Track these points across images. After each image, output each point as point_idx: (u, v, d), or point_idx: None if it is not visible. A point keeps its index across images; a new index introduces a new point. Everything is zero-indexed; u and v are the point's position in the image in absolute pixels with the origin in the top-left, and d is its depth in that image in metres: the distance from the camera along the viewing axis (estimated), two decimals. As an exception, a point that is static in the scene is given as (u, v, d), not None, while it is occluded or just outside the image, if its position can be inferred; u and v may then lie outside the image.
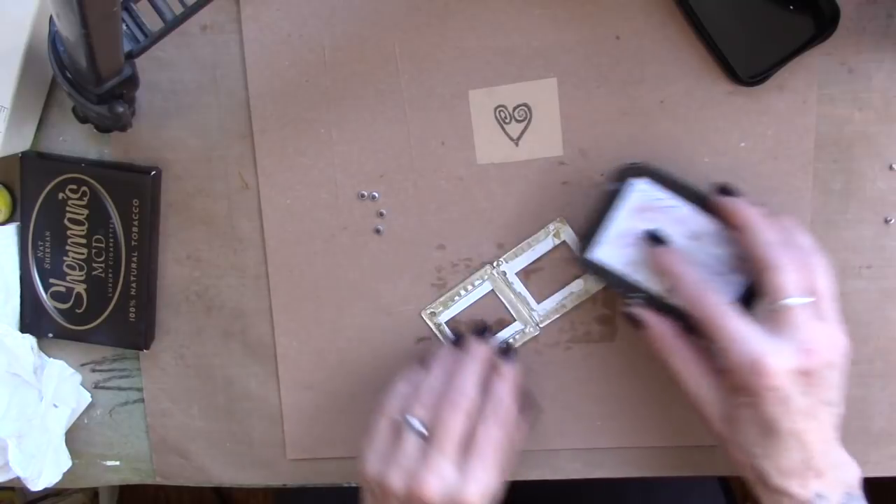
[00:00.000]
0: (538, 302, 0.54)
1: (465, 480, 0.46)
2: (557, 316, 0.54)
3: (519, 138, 0.52)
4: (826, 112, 0.51)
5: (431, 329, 0.55)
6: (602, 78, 0.51)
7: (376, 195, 0.54)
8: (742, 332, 0.44)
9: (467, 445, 0.47)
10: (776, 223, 0.47)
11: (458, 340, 0.52)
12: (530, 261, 0.53)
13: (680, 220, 0.49)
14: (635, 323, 0.50)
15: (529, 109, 0.52)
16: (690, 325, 0.47)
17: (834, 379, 0.44)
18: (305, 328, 0.55)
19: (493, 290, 0.54)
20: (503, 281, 0.54)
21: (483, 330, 0.53)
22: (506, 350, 0.52)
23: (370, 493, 0.48)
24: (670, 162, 0.51)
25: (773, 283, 0.44)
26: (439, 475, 0.45)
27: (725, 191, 0.48)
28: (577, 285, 0.53)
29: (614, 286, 0.51)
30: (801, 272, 0.44)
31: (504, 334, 0.54)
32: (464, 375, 0.49)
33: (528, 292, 0.54)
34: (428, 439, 0.47)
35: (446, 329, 0.54)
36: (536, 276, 0.54)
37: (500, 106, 0.52)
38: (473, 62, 0.51)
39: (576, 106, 0.51)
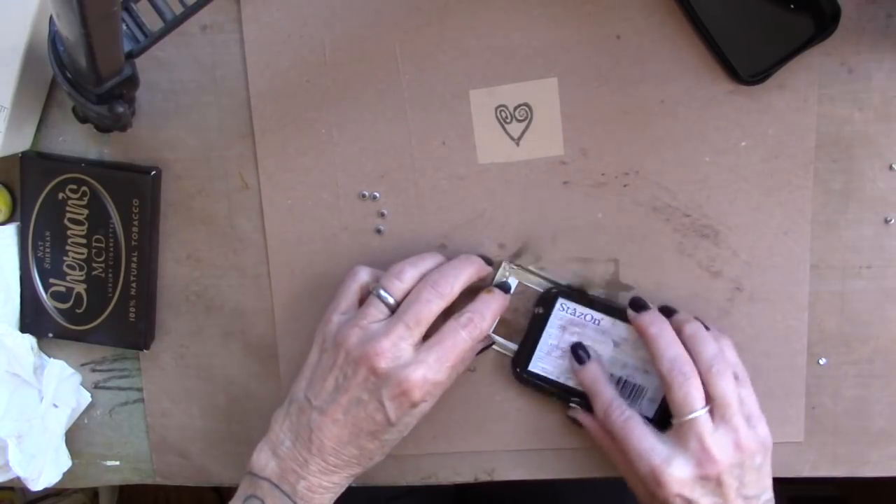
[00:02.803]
0: None
1: (417, 363, 0.47)
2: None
3: (520, 138, 0.52)
4: (826, 112, 0.51)
5: (492, 338, 0.55)
6: (602, 77, 0.51)
7: (377, 195, 0.53)
8: (643, 445, 0.48)
9: (432, 336, 0.48)
10: (682, 331, 0.50)
11: None
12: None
13: (603, 331, 0.53)
14: (577, 423, 0.54)
15: (530, 109, 0.52)
16: None
17: (746, 475, 0.47)
18: (307, 328, 0.55)
19: (519, 282, 0.54)
20: (525, 271, 0.54)
21: (486, 260, 0.53)
22: (503, 285, 0.53)
23: (319, 347, 0.50)
24: (671, 161, 0.52)
25: (673, 399, 0.48)
26: (395, 346, 0.47)
27: (637, 303, 0.51)
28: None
29: (553, 393, 0.54)
30: (698, 385, 0.47)
31: None
32: (456, 269, 0.50)
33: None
34: (396, 312, 0.48)
35: (496, 338, 0.55)
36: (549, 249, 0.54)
37: (500, 106, 0.52)
38: (474, 62, 0.51)
39: (576, 105, 0.51)
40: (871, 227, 0.52)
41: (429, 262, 0.51)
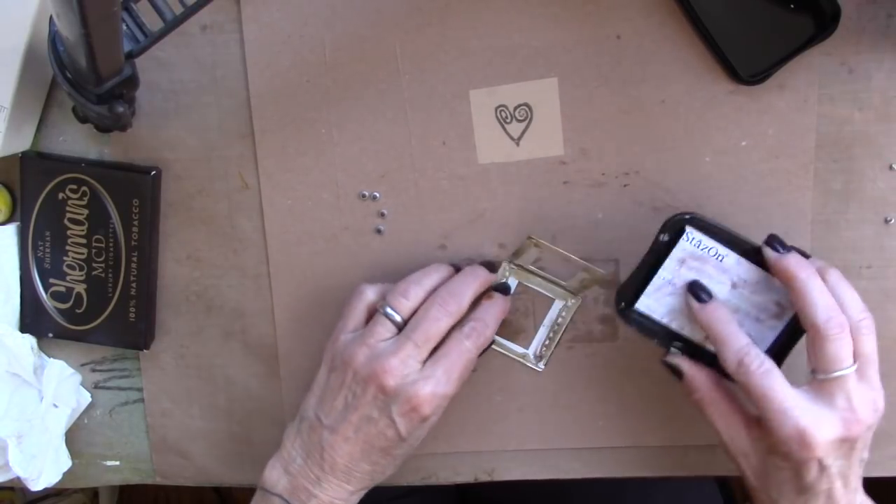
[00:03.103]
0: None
1: (424, 378, 0.47)
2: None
3: (520, 138, 0.52)
4: (826, 112, 0.51)
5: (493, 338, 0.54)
6: (603, 77, 0.51)
7: (377, 195, 0.53)
8: (788, 403, 0.44)
9: (438, 350, 0.49)
10: (824, 280, 0.46)
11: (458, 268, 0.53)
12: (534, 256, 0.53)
13: (724, 269, 0.48)
14: (675, 372, 0.49)
15: (530, 109, 0.52)
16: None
17: (870, 437, 0.46)
18: (307, 328, 0.55)
19: (519, 282, 0.54)
20: (525, 271, 0.54)
21: (489, 265, 0.53)
22: (502, 286, 0.53)
23: (328, 366, 0.50)
24: (671, 161, 0.52)
25: (825, 354, 0.44)
26: (403, 364, 0.47)
27: (776, 243, 0.47)
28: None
29: (653, 336, 0.50)
30: (850, 339, 0.44)
31: (551, 315, 0.54)
32: (463, 285, 0.50)
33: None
34: (404, 330, 0.48)
35: (497, 338, 0.54)
36: (551, 252, 0.53)
37: (500, 105, 0.52)
38: (474, 62, 0.51)
39: (577, 105, 0.51)
40: (871, 227, 0.52)
41: (434, 277, 0.51)
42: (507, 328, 0.54)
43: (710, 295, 0.48)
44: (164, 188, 0.54)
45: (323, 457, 0.48)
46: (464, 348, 0.49)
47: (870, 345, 0.45)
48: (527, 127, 0.52)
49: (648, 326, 0.50)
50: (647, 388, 0.54)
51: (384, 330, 0.49)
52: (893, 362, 0.53)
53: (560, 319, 0.54)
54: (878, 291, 0.53)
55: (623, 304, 0.50)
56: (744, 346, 0.46)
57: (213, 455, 0.59)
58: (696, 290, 0.48)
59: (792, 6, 0.48)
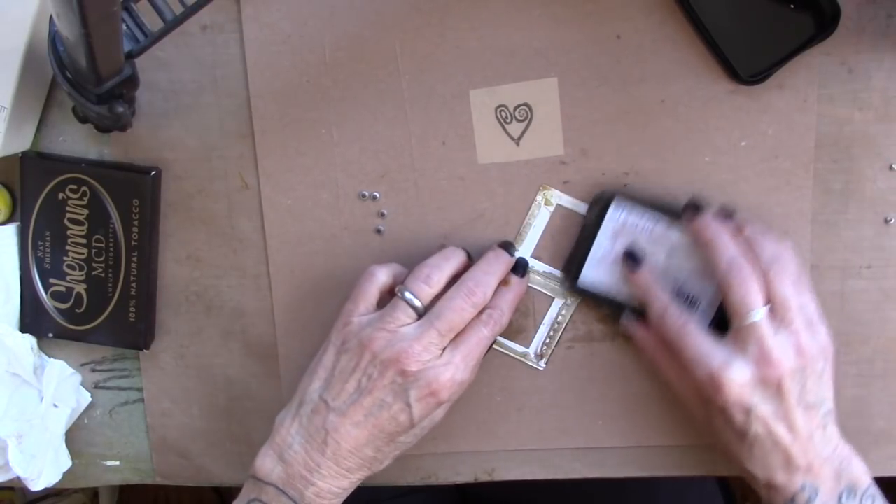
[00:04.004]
0: None
1: (444, 364, 0.48)
2: None
3: (520, 138, 0.52)
4: (826, 112, 0.51)
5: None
6: (603, 77, 0.51)
7: (377, 195, 0.53)
8: (701, 350, 0.47)
9: (457, 337, 0.49)
10: (740, 234, 0.48)
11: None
12: (537, 238, 0.53)
13: (657, 237, 0.51)
14: (628, 336, 0.53)
15: (530, 109, 0.52)
16: None
17: (808, 382, 0.46)
18: (307, 328, 0.55)
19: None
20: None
21: (508, 246, 0.53)
22: (519, 267, 0.53)
23: (337, 349, 0.49)
24: (671, 161, 0.52)
25: (730, 301, 0.47)
26: (425, 350, 0.47)
27: (693, 206, 0.49)
28: None
29: (605, 305, 0.53)
30: (758, 287, 0.46)
31: (551, 314, 0.54)
32: (488, 274, 0.50)
33: (551, 268, 0.54)
34: (427, 317, 0.48)
35: (497, 338, 0.54)
36: (550, 248, 0.54)
37: (500, 105, 0.52)
38: (474, 62, 0.51)
39: (577, 105, 0.51)
40: (871, 227, 0.52)
41: (453, 262, 0.51)
42: (508, 328, 0.54)
43: (641, 261, 0.50)
44: (164, 188, 0.55)
45: (326, 441, 0.47)
46: (482, 336, 0.49)
47: (782, 289, 0.46)
48: (527, 127, 0.52)
49: (597, 297, 0.52)
50: (647, 388, 0.54)
51: (404, 315, 0.48)
52: (893, 362, 0.53)
53: (560, 318, 0.54)
54: (877, 291, 0.53)
55: (568, 278, 0.53)
56: (663, 303, 0.49)
57: (213, 455, 0.59)
58: (628, 258, 0.51)
59: (792, 6, 0.49)
